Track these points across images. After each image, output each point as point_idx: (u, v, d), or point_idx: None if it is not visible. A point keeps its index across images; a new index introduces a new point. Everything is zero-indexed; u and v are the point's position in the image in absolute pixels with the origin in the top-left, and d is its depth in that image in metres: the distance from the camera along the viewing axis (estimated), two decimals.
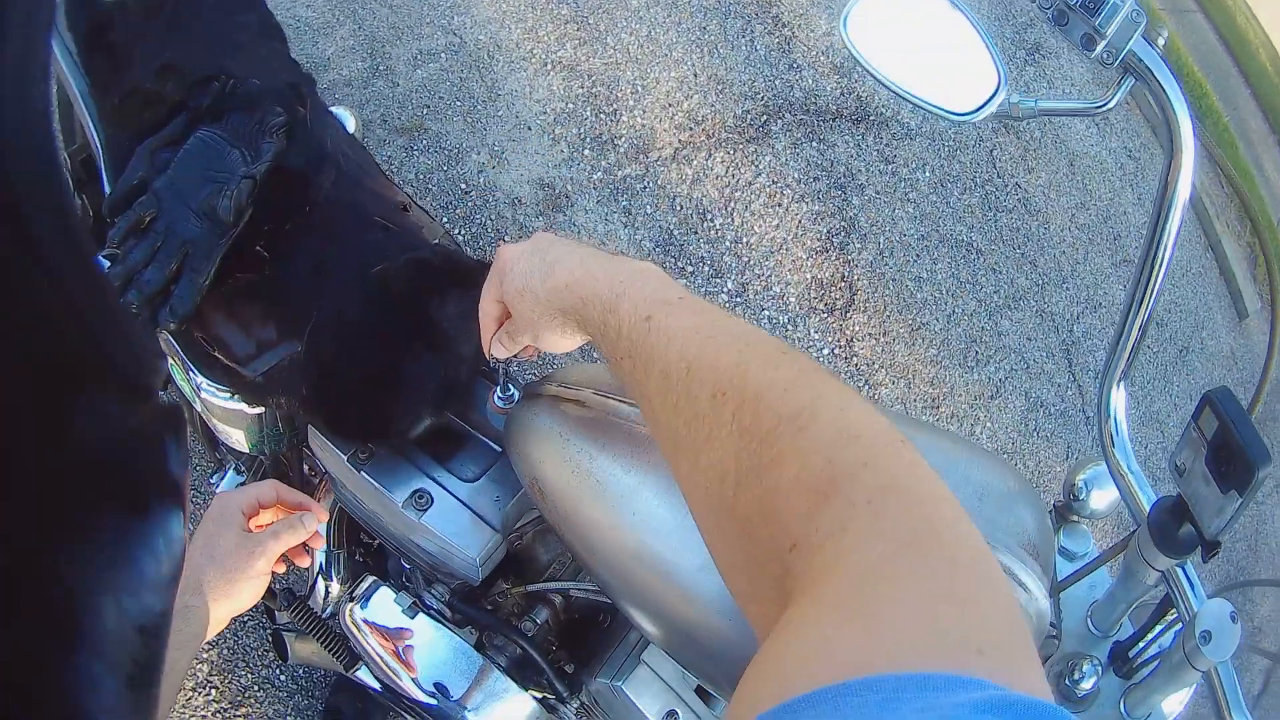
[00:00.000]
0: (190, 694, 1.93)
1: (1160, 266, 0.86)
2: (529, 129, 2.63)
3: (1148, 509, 0.88)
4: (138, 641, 0.32)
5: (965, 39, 0.94)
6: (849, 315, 2.61)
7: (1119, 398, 0.94)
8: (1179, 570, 0.89)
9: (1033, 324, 2.92)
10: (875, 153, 2.86)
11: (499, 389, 1.00)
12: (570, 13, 2.77)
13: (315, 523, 1.00)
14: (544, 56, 2.73)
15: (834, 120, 2.85)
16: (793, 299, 2.58)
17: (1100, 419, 0.96)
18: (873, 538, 0.46)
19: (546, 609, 1.19)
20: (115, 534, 0.31)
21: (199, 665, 1.98)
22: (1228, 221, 3.73)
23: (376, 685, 1.27)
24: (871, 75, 0.96)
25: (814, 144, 2.77)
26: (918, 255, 2.77)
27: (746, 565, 0.54)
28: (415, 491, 1.07)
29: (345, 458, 1.10)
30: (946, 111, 0.94)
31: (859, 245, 2.69)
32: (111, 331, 0.29)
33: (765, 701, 0.38)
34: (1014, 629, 0.42)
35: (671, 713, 1.12)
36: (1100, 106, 0.86)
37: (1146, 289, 0.88)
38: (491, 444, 1.12)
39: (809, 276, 2.62)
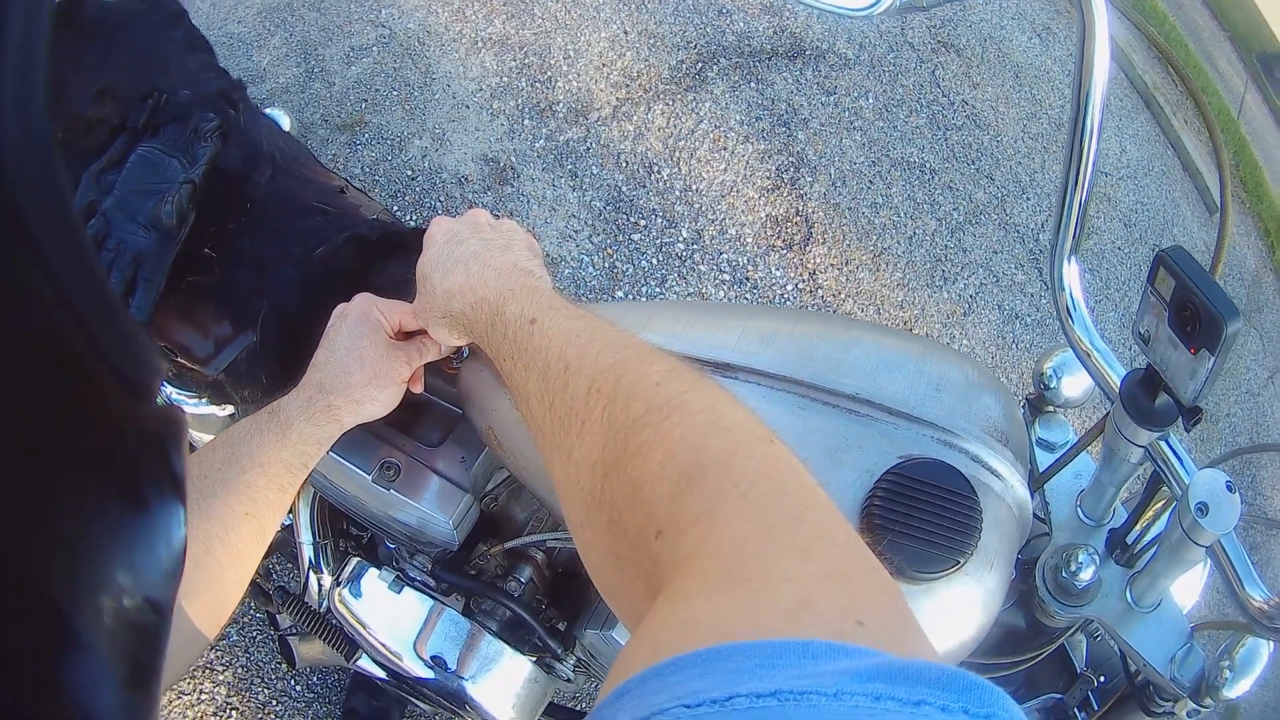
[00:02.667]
0: None
1: (1090, 136, 0.84)
2: (467, 108, 2.63)
3: (1119, 385, 0.87)
4: (136, 640, 0.32)
5: None
6: (808, 249, 2.60)
7: (1071, 273, 0.93)
8: (1163, 445, 0.88)
9: (997, 237, 2.91)
10: (815, 85, 2.86)
11: None
12: None
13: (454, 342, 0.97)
14: (474, 35, 2.74)
15: (770, 59, 2.85)
16: (749, 239, 2.58)
17: (1055, 298, 0.94)
18: (743, 519, 0.45)
19: (529, 566, 1.19)
20: (116, 533, 0.30)
21: (217, 688, 1.99)
22: (1185, 118, 3.71)
23: (380, 673, 1.27)
24: None
25: (752, 85, 2.77)
26: (870, 182, 2.76)
27: (615, 557, 0.54)
28: (382, 464, 1.08)
29: None
30: (845, 10, 0.91)
31: (810, 178, 2.69)
32: (111, 331, 0.28)
33: (635, 669, 0.37)
34: (897, 604, 0.42)
35: None
36: None
37: (1081, 160, 0.86)
38: (451, 406, 1.12)
39: (763, 215, 2.62)
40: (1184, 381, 0.79)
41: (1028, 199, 3.03)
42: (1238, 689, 0.92)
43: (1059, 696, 1.09)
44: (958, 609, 0.83)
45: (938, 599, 0.82)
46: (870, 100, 2.90)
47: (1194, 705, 0.96)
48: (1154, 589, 0.94)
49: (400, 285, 1.07)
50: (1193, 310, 0.74)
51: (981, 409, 0.90)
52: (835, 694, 0.31)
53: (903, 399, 0.89)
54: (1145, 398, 0.84)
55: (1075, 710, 1.07)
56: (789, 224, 2.62)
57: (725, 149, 2.65)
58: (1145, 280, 0.79)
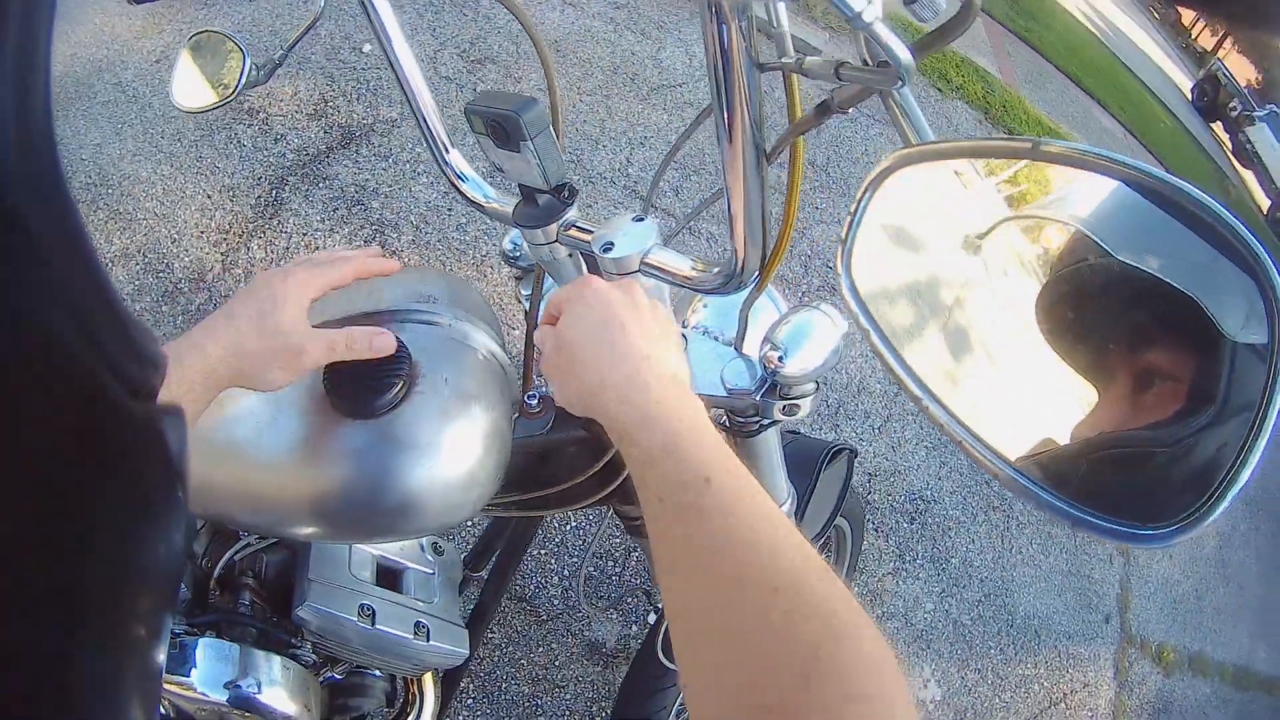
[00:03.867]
0: None
1: None
2: None
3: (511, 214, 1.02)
4: (140, 640, 0.32)
5: None
6: None
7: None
8: (572, 231, 0.99)
9: (619, 198, 3.32)
10: (373, 158, 3.28)
11: None
12: (106, 211, 3.21)
13: (390, 346, 0.95)
14: (102, 256, 3.12)
15: (327, 156, 3.28)
16: None
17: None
18: None
19: (246, 590, 1.26)
20: (116, 531, 0.30)
21: None
22: None
23: None
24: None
25: (321, 185, 3.20)
26: (450, 210, 3.20)
27: None
28: None
29: None
30: None
31: (395, 234, 3.12)
32: (113, 331, 0.28)
33: None
34: None
35: (364, 606, 1.25)
36: None
37: None
38: None
39: None
40: (534, 175, 0.92)
41: (600, 150, 3.44)
42: (797, 364, 1.01)
43: None
44: (437, 414, 0.99)
45: (407, 411, 0.98)
46: (422, 148, 3.33)
47: (769, 400, 1.05)
48: None
49: None
50: (497, 124, 0.87)
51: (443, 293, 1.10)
52: None
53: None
54: (533, 206, 0.97)
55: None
56: None
57: (317, 247, 3.08)
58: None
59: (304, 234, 3.10)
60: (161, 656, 0.35)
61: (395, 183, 3.24)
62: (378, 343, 0.93)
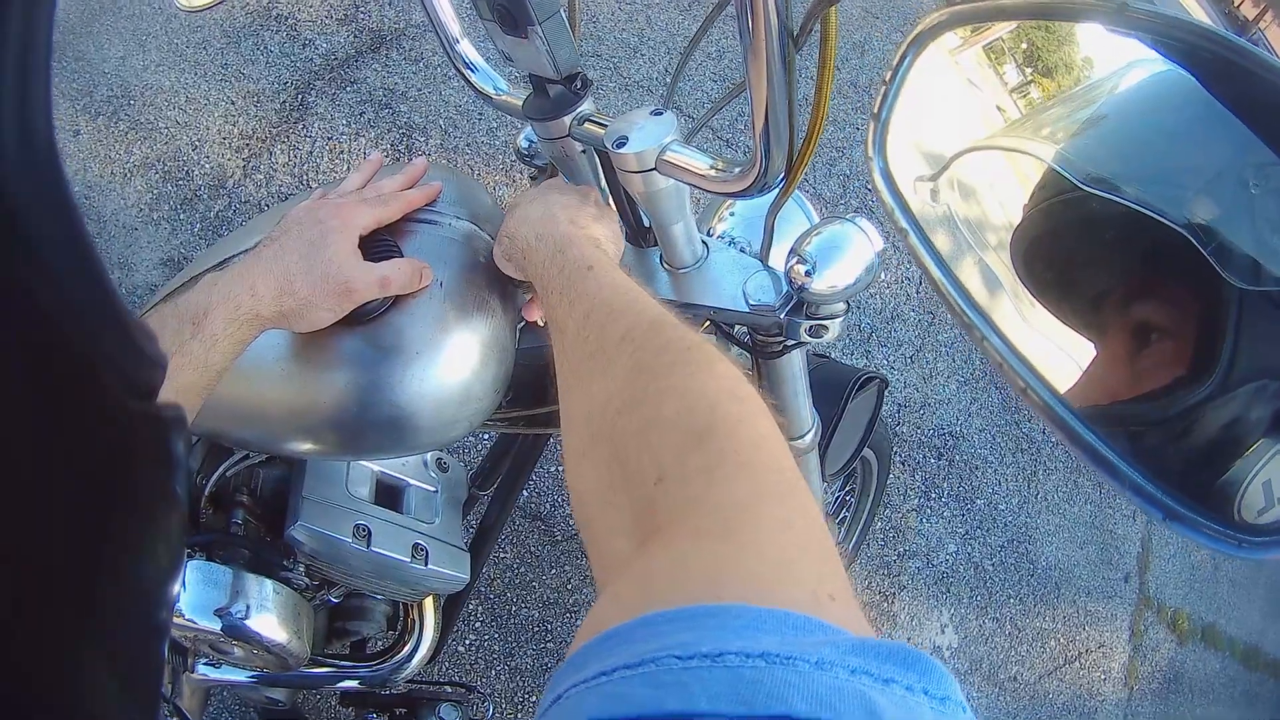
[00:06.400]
0: None
1: None
2: (136, 230, 3.02)
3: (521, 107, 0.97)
4: (138, 641, 0.33)
5: None
6: None
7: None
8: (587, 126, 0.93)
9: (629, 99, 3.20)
10: (402, 62, 3.18)
11: None
12: (126, 123, 3.16)
13: (432, 279, 0.94)
14: (122, 170, 3.10)
15: (355, 60, 3.18)
16: None
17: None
18: (739, 483, 0.48)
19: (239, 509, 1.24)
20: (117, 532, 0.30)
21: None
22: None
23: (231, 675, 1.32)
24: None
25: (348, 89, 3.11)
26: (480, 116, 3.10)
27: (607, 491, 0.54)
28: None
29: None
30: None
31: (422, 138, 3.03)
32: (113, 331, 0.28)
33: (626, 613, 0.38)
34: (851, 586, 0.43)
35: (359, 526, 1.22)
36: None
37: None
38: None
39: None
40: (542, 63, 0.87)
41: (639, 59, 3.31)
42: (826, 281, 0.91)
43: None
44: (432, 320, 0.93)
45: (397, 316, 0.92)
46: None
47: (795, 320, 0.99)
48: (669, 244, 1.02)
49: None
50: (503, 7, 0.81)
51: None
52: (817, 662, 0.32)
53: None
54: (544, 98, 0.93)
55: None
56: None
57: (343, 151, 3.00)
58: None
59: (329, 138, 3.03)
60: (162, 656, 0.35)
61: (424, 86, 3.14)
62: (427, 276, 0.93)
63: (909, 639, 2.83)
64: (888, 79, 0.64)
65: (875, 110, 0.65)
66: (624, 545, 0.50)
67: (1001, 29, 0.61)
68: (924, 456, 3.11)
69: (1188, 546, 3.70)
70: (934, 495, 3.07)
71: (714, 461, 0.48)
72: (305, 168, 3.00)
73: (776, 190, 0.81)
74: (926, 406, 3.19)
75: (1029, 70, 0.61)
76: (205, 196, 2.99)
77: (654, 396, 0.54)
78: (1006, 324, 0.64)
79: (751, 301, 1.00)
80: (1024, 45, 0.61)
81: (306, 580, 1.26)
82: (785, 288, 0.99)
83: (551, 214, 0.86)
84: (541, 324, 1.01)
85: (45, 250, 0.25)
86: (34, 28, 0.23)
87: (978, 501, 3.15)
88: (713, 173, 0.83)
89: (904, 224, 0.65)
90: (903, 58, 0.63)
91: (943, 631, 2.89)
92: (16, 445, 0.25)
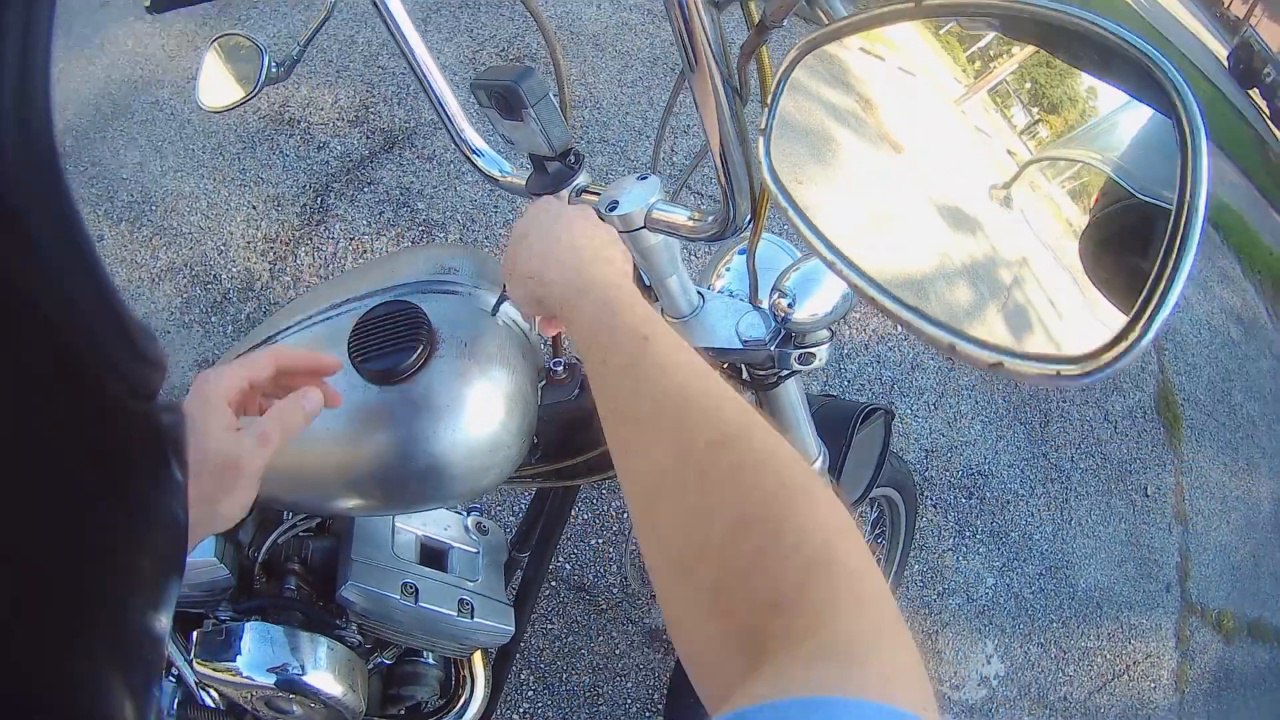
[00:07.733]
0: None
1: None
2: (169, 334, 3.15)
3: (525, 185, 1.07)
4: (138, 640, 0.33)
5: None
6: None
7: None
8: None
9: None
10: (416, 160, 3.33)
11: None
12: (150, 228, 3.29)
13: (319, 401, 0.86)
14: (149, 275, 3.21)
15: (370, 161, 3.33)
16: None
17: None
18: (858, 613, 0.48)
19: (291, 576, 1.29)
20: (117, 532, 0.31)
21: None
22: None
23: None
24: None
25: (366, 189, 3.26)
26: (497, 206, 3.25)
27: (712, 609, 0.54)
28: None
29: None
30: None
31: (441, 234, 3.15)
32: (113, 331, 0.28)
33: (756, 699, 0.40)
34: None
35: (407, 584, 1.28)
36: None
37: None
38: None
39: None
40: (539, 143, 0.97)
41: (644, 140, 3.46)
42: (807, 310, 1.04)
43: None
44: (458, 377, 1.01)
45: (429, 375, 1.01)
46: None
47: (785, 350, 1.08)
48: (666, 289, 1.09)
49: None
50: (500, 95, 0.92)
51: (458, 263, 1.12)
52: None
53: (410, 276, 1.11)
54: (544, 175, 1.02)
55: None
56: None
57: (366, 250, 3.13)
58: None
59: (351, 238, 3.16)
60: (162, 658, 0.36)
61: (440, 183, 3.28)
62: (309, 403, 0.85)
63: (955, 673, 2.85)
64: (769, 103, 0.77)
65: (761, 127, 0.78)
66: (738, 665, 0.49)
67: (1004, 69, 0.72)
68: (955, 497, 3.16)
69: (1226, 548, 3.71)
70: (968, 534, 3.11)
71: (833, 597, 0.49)
72: (330, 268, 3.13)
73: (749, 231, 0.91)
74: (953, 449, 3.24)
75: (1035, 110, 0.72)
76: (235, 299, 3.11)
77: (767, 524, 0.53)
78: (861, 259, 0.75)
79: (744, 339, 1.09)
80: (1028, 85, 0.71)
81: (359, 639, 1.32)
82: (773, 322, 1.08)
83: (575, 245, 0.81)
84: (551, 335, 1.06)
85: (45, 250, 0.25)
86: (34, 27, 0.24)
87: (1012, 534, 3.19)
88: (691, 222, 0.93)
89: (784, 203, 0.77)
90: (778, 85, 0.76)
91: (989, 662, 2.91)
92: (16, 445, 0.25)
